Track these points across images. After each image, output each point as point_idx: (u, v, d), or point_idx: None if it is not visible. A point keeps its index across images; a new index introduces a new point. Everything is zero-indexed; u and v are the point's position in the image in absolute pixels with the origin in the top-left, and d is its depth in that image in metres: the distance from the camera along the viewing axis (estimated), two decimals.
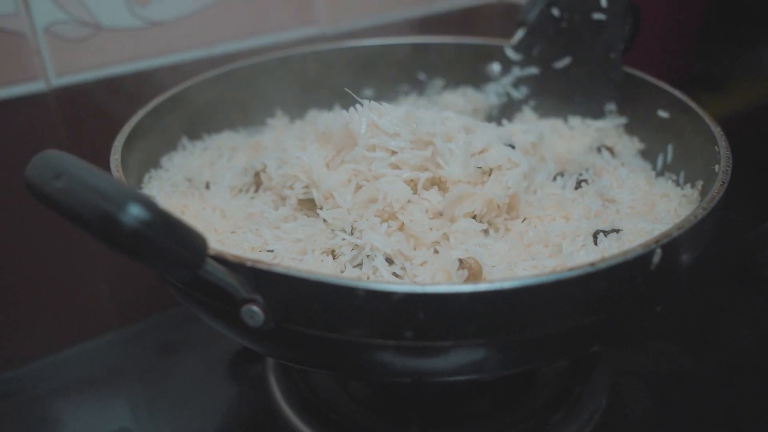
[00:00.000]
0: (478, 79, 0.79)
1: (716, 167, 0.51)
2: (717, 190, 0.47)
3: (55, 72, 0.77)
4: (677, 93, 0.63)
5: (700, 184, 0.57)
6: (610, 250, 0.48)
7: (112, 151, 0.55)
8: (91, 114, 0.80)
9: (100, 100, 0.80)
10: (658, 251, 0.41)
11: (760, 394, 0.64)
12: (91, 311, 0.79)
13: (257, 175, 0.61)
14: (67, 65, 0.77)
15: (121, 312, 0.81)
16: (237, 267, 0.40)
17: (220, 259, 0.40)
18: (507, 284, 0.38)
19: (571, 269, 0.39)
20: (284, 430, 0.61)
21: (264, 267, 0.39)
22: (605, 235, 0.49)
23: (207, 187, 0.63)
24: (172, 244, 0.36)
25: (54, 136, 0.79)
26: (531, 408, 0.62)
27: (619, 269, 0.40)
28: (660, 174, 0.64)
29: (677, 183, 0.62)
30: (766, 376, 0.66)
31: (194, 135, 0.70)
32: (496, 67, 0.80)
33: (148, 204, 0.35)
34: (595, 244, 0.49)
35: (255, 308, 0.40)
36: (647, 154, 0.68)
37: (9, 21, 0.71)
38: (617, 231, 0.50)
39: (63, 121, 0.79)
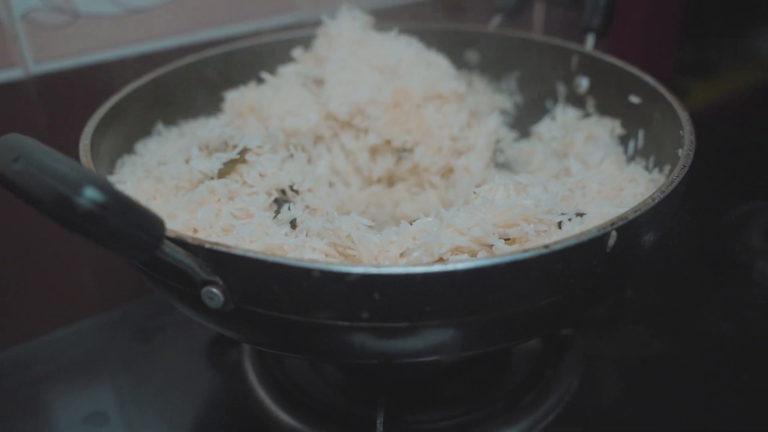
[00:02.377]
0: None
1: (679, 151, 0.51)
2: (677, 173, 0.47)
3: (33, 59, 0.76)
4: (647, 78, 0.63)
5: (667, 168, 0.58)
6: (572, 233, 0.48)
7: (82, 137, 0.55)
8: (71, 101, 0.80)
9: (79, 86, 0.80)
10: (614, 234, 0.41)
11: (732, 378, 0.65)
12: (73, 296, 0.80)
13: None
14: (46, 52, 0.77)
15: (103, 297, 0.81)
16: (196, 249, 0.40)
17: (180, 242, 0.40)
18: (461, 266, 0.38)
19: (525, 251, 0.39)
20: (259, 413, 0.62)
21: (222, 249, 0.40)
22: (569, 220, 0.50)
23: None
24: (128, 226, 0.36)
25: (33, 123, 0.79)
26: (502, 390, 0.63)
27: (573, 251, 0.40)
28: (631, 159, 0.65)
29: (647, 168, 0.62)
30: (738, 360, 0.67)
31: (170, 121, 0.70)
32: (473, 54, 0.80)
33: (104, 186, 0.35)
34: (559, 227, 0.49)
35: (214, 290, 0.41)
36: (620, 139, 0.68)
37: None
38: (581, 215, 0.50)
39: (43, 108, 0.79)
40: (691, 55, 1.52)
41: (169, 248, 0.39)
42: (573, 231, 0.49)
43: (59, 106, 0.80)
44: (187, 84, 0.72)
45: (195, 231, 0.51)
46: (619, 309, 0.70)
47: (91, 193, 0.34)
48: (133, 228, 0.36)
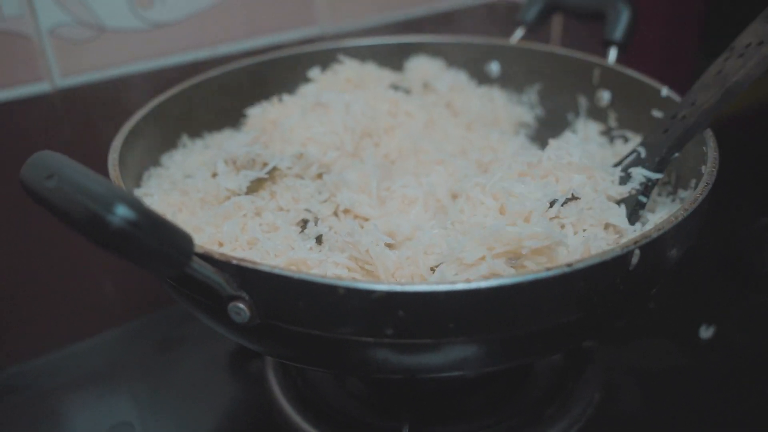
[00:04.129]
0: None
1: (702, 168, 0.51)
2: (700, 191, 0.47)
3: (59, 73, 0.78)
4: (671, 93, 0.63)
5: (692, 183, 0.58)
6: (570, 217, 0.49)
7: (111, 150, 0.56)
8: (96, 114, 0.81)
9: (104, 100, 0.81)
10: (637, 252, 0.42)
11: (753, 390, 0.64)
12: (94, 308, 0.81)
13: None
14: (72, 66, 0.79)
15: (124, 309, 0.82)
16: (223, 265, 0.41)
17: (207, 258, 0.41)
18: (484, 284, 0.38)
19: (548, 269, 0.39)
20: (282, 424, 0.63)
21: (249, 265, 0.40)
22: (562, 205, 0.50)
23: None
24: (158, 243, 0.37)
25: (59, 136, 0.80)
26: (525, 403, 0.63)
27: (596, 269, 0.40)
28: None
29: (670, 183, 0.62)
30: (759, 372, 0.66)
31: (195, 133, 0.71)
32: (495, 67, 0.81)
33: (135, 204, 0.36)
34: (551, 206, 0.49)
35: (241, 305, 0.42)
36: None
37: (15, 23, 0.73)
38: (576, 199, 0.50)
39: (68, 121, 0.81)
40: (709, 65, 1.51)
41: (197, 264, 0.40)
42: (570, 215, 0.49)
43: (84, 119, 0.81)
44: (211, 97, 0.73)
45: (220, 245, 0.52)
46: (640, 321, 0.70)
47: (122, 211, 0.35)
48: (163, 245, 0.37)
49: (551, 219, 0.49)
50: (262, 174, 0.57)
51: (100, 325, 0.76)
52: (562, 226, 0.49)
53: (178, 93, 0.69)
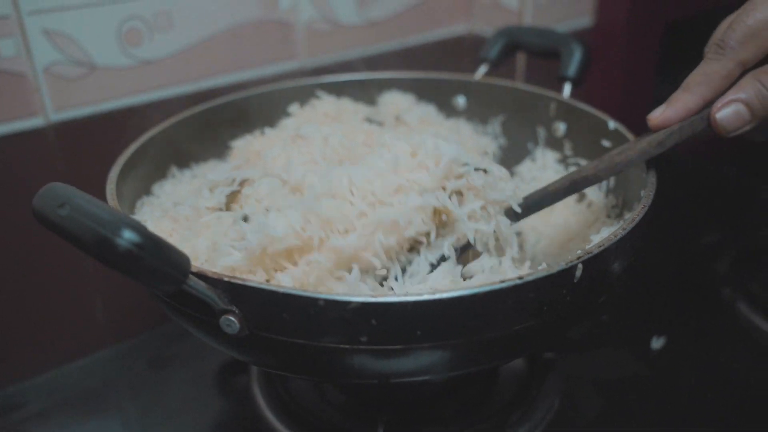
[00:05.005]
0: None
1: (642, 192, 0.58)
2: (638, 212, 0.53)
3: (53, 108, 0.82)
4: (616, 124, 0.69)
5: (634, 205, 0.64)
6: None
7: (108, 181, 0.61)
8: (87, 145, 0.85)
9: (95, 132, 0.86)
10: (580, 266, 0.47)
11: (699, 395, 0.70)
12: (84, 329, 0.85)
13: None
14: (65, 101, 0.83)
15: (113, 330, 0.87)
16: (215, 282, 0.46)
17: (201, 276, 0.46)
18: (446, 295, 0.44)
19: (502, 281, 0.45)
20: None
21: (238, 282, 0.45)
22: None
23: None
24: (160, 263, 0.42)
25: (52, 166, 0.84)
26: (492, 409, 0.68)
27: (545, 281, 0.46)
28: (605, 196, 0.71)
29: (617, 206, 0.68)
30: (705, 378, 0.72)
31: (183, 164, 0.76)
32: (461, 100, 0.87)
33: (139, 229, 0.41)
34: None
35: (232, 318, 0.47)
36: None
37: (12, 63, 0.77)
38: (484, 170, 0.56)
39: (61, 153, 0.85)
40: (668, 93, 1.60)
41: (193, 281, 0.45)
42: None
43: (76, 150, 0.86)
44: (198, 130, 0.78)
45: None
46: (596, 333, 0.76)
47: (128, 235, 0.40)
48: (164, 264, 0.42)
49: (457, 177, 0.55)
50: (234, 187, 0.62)
51: (91, 346, 0.81)
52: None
53: (167, 127, 0.74)
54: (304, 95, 0.84)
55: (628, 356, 0.76)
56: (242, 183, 0.64)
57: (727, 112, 0.54)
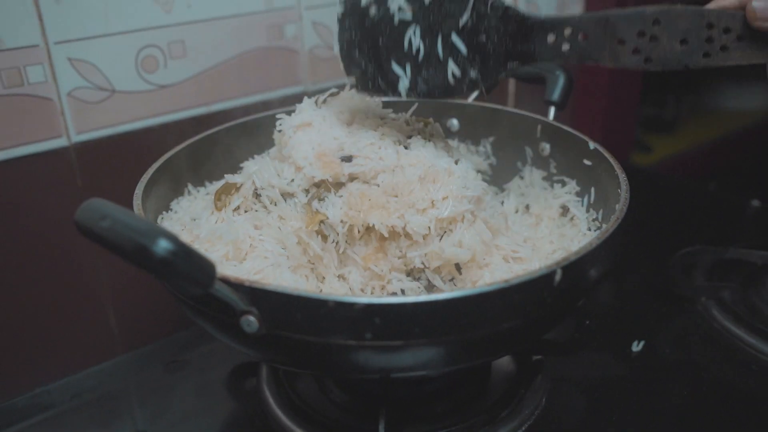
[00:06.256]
0: None
1: (617, 206, 0.64)
2: (611, 224, 0.60)
3: (75, 130, 0.87)
4: (595, 145, 0.76)
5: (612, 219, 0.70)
6: None
7: (134, 198, 0.67)
8: (106, 164, 0.91)
9: (113, 152, 0.91)
10: (559, 271, 0.54)
11: (675, 394, 0.76)
12: (100, 339, 0.92)
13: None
14: (86, 124, 0.88)
15: (128, 339, 0.93)
16: (237, 286, 0.52)
17: (225, 280, 0.52)
18: (440, 296, 0.50)
19: (490, 284, 0.51)
20: (277, 428, 0.73)
21: (258, 285, 0.52)
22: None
23: None
24: (191, 268, 0.48)
25: (73, 183, 0.90)
26: (484, 406, 0.74)
27: (528, 285, 0.52)
28: (587, 210, 0.78)
29: (597, 219, 0.75)
30: (680, 380, 0.78)
31: (198, 183, 0.82)
32: (455, 122, 0.93)
33: (173, 238, 0.47)
34: None
35: (251, 318, 0.53)
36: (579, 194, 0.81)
37: (39, 88, 0.83)
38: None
39: (81, 171, 0.90)
40: (654, 114, 1.68)
41: (218, 285, 0.51)
42: None
43: (96, 169, 0.91)
44: (210, 151, 0.84)
45: None
46: (580, 337, 0.82)
47: (164, 244, 0.46)
48: (194, 269, 0.48)
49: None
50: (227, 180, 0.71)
51: (107, 354, 0.87)
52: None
53: (183, 148, 0.80)
54: None
55: (610, 358, 0.82)
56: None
57: (764, 2, 0.57)
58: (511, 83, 1.18)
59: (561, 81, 0.85)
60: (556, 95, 0.85)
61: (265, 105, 1.02)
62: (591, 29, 0.63)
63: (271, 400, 0.76)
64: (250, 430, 0.75)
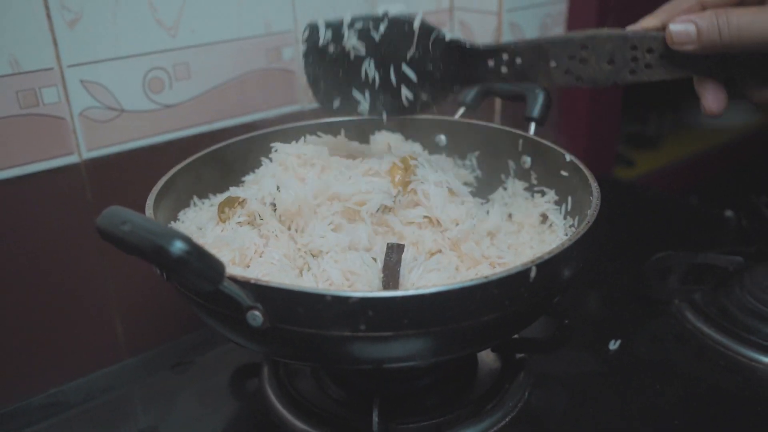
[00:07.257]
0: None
1: (588, 212, 0.70)
2: (582, 228, 0.66)
3: (86, 147, 0.92)
4: (572, 157, 0.82)
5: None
6: None
7: (146, 208, 0.72)
8: (115, 179, 0.96)
9: (122, 168, 0.96)
10: (534, 268, 0.60)
11: (649, 391, 0.81)
12: (107, 343, 0.97)
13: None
14: (96, 141, 0.93)
15: (133, 343, 0.99)
16: (244, 283, 0.58)
17: (232, 278, 0.58)
18: (427, 291, 0.56)
19: (471, 280, 0.57)
20: (278, 422, 0.78)
21: (263, 283, 0.57)
22: None
23: None
24: (203, 266, 0.53)
25: (83, 197, 0.95)
26: (470, 400, 0.79)
27: (505, 280, 0.58)
28: (564, 218, 0.84)
29: (574, 225, 0.81)
30: (654, 376, 0.83)
31: (203, 195, 0.87)
32: (442, 138, 1.00)
33: (187, 239, 0.52)
34: None
35: (257, 313, 0.58)
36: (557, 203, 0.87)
37: (53, 108, 0.89)
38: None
39: (91, 185, 0.95)
40: (637, 130, 1.75)
41: (227, 282, 0.57)
42: None
43: (105, 184, 0.96)
44: (214, 166, 0.89)
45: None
46: (561, 336, 0.88)
47: (179, 245, 0.52)
48: (205, 267, 0.54)
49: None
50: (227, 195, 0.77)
51: (113, 358, 0.92)
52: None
53: (189, 163, 0.85)
54: (305, 134, 0.96)
55: (589, 356, 0.87)
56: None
57: (680, 27, 0.62)
58: (497, 102, 1.25)
59: (540, 99, 0.91)
60: (535, 112, 0.91)
61: (265, 123, 1.07)
62: (526, 54, 0.70)
63: (273, 398, 0.81)
64: (254, 427, 0.80)
